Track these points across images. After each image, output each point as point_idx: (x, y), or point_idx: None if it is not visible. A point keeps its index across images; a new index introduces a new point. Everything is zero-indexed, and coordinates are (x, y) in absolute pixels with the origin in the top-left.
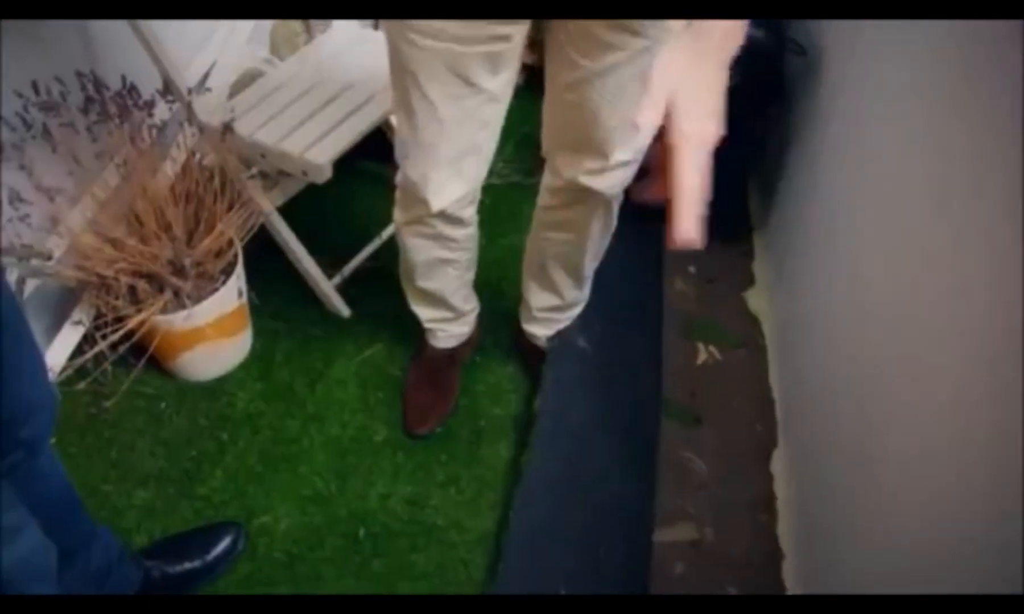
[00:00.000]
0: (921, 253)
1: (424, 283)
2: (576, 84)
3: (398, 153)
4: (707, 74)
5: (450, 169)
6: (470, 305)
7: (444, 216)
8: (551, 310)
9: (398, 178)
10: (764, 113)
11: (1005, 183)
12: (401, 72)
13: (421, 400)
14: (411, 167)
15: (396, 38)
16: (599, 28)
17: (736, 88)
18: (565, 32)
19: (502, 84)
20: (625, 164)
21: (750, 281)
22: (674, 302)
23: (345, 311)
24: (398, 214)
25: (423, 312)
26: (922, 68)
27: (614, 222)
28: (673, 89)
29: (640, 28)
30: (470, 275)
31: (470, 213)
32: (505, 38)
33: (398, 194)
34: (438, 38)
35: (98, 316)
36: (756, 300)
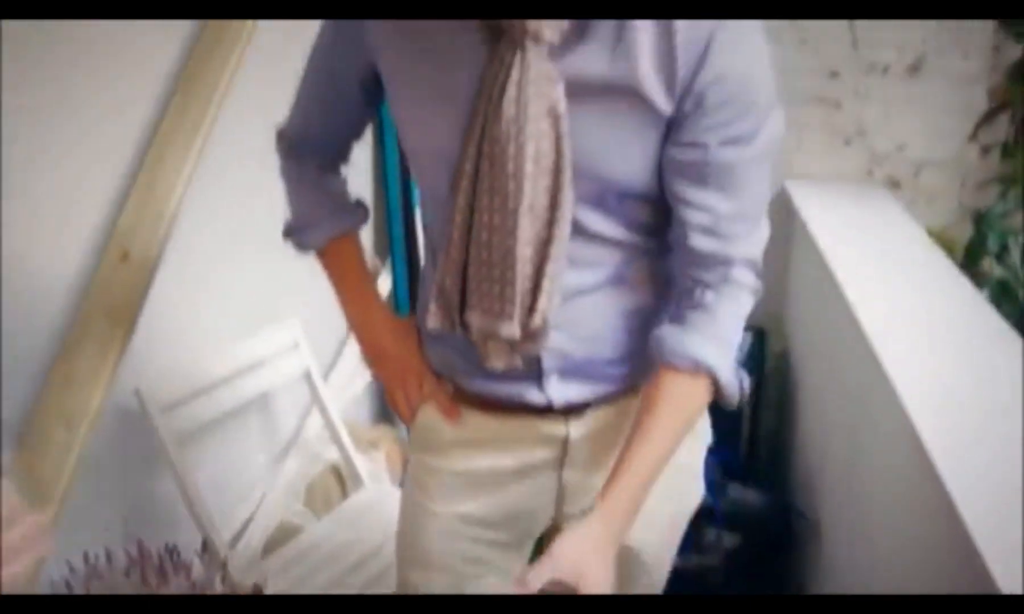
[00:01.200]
0: None
1: None
2: None
3: None
4: (607, 555)
5: None
6: None
7: None
8: None
9: None
10: (778, 567)
11: None
12: None
13: None
14: None
15: (415, 512)
16: None
17: (752, 548)
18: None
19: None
20: None
21: None
22: None
23: None
24: None
25: None
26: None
27: None
28: (573, 570)
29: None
30: None
31: None
32: (520, 534)
33: None
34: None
35: None
36: None
